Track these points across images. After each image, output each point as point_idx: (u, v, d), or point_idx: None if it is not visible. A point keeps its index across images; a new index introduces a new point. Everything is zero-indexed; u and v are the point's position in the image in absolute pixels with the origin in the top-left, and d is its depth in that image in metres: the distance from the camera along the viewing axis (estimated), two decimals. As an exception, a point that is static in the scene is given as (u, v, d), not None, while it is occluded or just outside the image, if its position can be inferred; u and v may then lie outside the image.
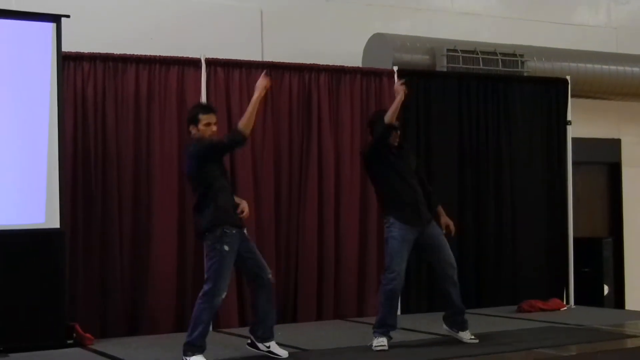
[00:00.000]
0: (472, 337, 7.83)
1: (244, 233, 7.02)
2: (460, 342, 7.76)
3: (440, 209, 7.92)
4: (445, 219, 7.87)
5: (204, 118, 6.99)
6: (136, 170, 8.88)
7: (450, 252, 7.73)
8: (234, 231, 6.86)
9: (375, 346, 7.49)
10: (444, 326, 7.92)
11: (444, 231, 7.81)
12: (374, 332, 7.60)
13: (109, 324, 8.65)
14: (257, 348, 7.12)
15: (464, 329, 7.84)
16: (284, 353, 7.09)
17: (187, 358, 6.80)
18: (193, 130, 7.05)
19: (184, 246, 8.99)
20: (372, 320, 8.77)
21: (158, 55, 9.01)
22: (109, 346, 7.91)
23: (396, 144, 7.68)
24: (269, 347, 7.09)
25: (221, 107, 9.10)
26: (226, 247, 6.80)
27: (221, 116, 9.07)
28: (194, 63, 9.10)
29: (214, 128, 7.01)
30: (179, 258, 8.98)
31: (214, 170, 6.94)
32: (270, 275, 7.05)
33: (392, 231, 7.56)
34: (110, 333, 8.55)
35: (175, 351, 7.31)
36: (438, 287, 7.95)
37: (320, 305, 9.59)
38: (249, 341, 7.17)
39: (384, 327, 7.58)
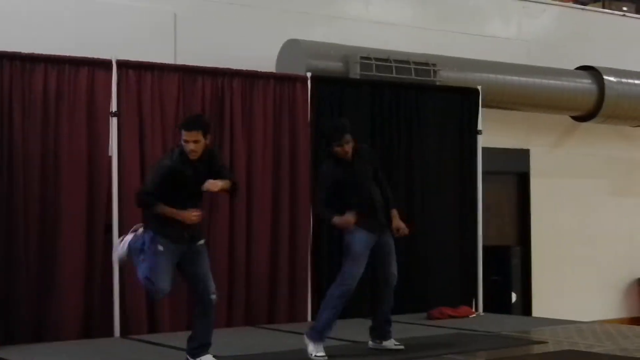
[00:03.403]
0: (397, 343, 7.87)
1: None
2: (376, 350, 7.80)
3: (394, 212, 7.87)
4: (396, 222, 7.83)
5: (183, 134, 6.86)
6: (44, 171, 8.66)
7: (395, 263, 7.76)
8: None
9: (316, 355, 7.42)
10: (370, 342, 7.92)
11: (395, 234, 7.79)
12: (312, 336, 7.51)
13: (12, 330, 8.40)
14: None
15: (388, 337, 7.87)
16: None
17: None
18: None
19: (92, 251, 8.82)
20: (282, 326, 8.82)
21: (68, 55, 8.83)
22: (13, 352, 7.72)
23: (350, 158, 7.63)
24: None
25: (132, 110, 9.00)
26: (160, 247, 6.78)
27: (132, 119, 9.03)
28: (105, 64, 8.93)
29: (191, 146, 6.85)
30: (87, 263, 8.79)
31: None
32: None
33: (354, 237, 7.54)
34: (16, 339, 8.31)
35: (79, 358, 7.16)
36: (374, 294, 7.93)
37: (230, 311, 9.50)
38: None
39: (324, 332, 7.54)
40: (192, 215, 6.79)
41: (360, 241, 7.53)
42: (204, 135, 6.86)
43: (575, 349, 7.92)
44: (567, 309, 12.36)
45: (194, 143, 6.81)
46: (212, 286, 6.93)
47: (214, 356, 7.02)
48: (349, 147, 7.57)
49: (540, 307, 12.57)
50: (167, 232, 6.79)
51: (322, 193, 7.64)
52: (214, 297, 6.92)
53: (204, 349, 6.99)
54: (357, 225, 7.53)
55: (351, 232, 7.55)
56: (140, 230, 6.99)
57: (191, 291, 7.16)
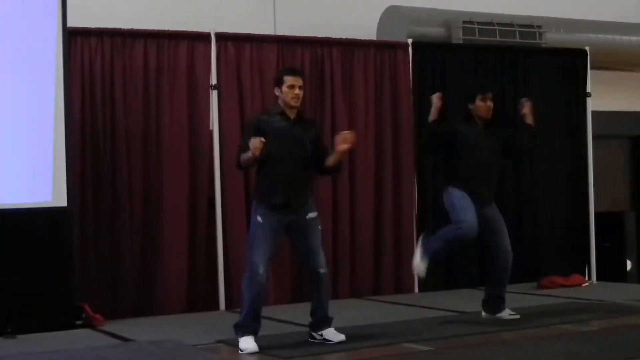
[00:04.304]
0: (512, 312, 7.72)
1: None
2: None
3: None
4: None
5: (288, 80, 6.76)
6: (146, 147, 8.70)
7: (507, 238, 7.61)
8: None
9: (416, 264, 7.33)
10: (483, 313, 7.79)
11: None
12: (424, 245, 7.40)
13: (119, 304, 8.49)
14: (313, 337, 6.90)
15: (500, 310, 7.72)
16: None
17: (238, 338, 6.63)
18: (276, 91, 6.82)
19: (195, 225, 8.84)
20: (388, 298, 8.69)
21: (167, 29, 8.82)
22: (119, 327, 7.76)
23: (484, 121, 7.55)
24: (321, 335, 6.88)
25: (232, 83, 8.98)
26: (259, 219, 6.65)
27: (232, 91, 8.99)
28: (204, 37, 8.91)
29: (297, 91, 6.74)
30: (190, 237, 8.82)
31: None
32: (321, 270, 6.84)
33: (452, 195, 7.43)
34: (121, 314, 8.39)
35: (184, 332, 7.15)
36: (488, 269, 7.76)
37: (335, 283, 9.40)
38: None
39: (434, 250, 7.42)
40: (255, 143, 6.49)
41: (461, 197, 7.33)
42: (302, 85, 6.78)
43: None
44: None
45: (299, 89, 6.70)
46: (322, 261, 6.77)
47: (335, 329, 6.88)
48: (491, 105, 7.41)
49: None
50: (268, 201, 6.66)
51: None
52: (323, 271, 6.77)
53: (324, 323, 6.85)
54: (461, 188, 7.35)
55: (452, 193, 7.37)
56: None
57: (302, 265, 7.03)
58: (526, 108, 7.70)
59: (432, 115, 7.41)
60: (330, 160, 6.76)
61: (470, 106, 7.44)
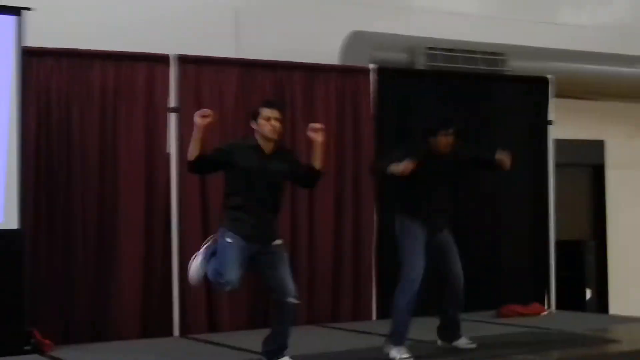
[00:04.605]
0: (469, 341, 7.65)
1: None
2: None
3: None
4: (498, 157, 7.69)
5: (265, 112, 6.68)
6: (102, 169, 8.56)
7: (458, 262, 7.53)
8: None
9: (401, 358, 7.19)
10: (438, 341, 7.75)
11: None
12: (392, 341, 7.32)
13: (72, 329, 8.33)
14: None
15: (456, 338, 7.66)
16: None
17: None
18: (253, 124, 6.75)
19: (151, 249, 8.72)
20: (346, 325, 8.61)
21: (126, 51, 8.72)
22: (68, 352, 7.63)
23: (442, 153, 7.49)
24: None
25: (191, 106, 8.79)
26: (229, 240, 6.57)
27: (190, 115, 8.60)
28: (164, 59, 8.81)
29: (273, 123, 6.66)
30: (146, 258, 8.69)
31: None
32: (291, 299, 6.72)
33: (403, 230, 7.37)
34: (74, 339, 8.23)
35: (137, 358, 7.02)
36: (441, 295, 7.70)
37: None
38: None
39: (402, 334, 7.35)
40: (199, 116, 6.48)
41: (412, 237, 7.27)
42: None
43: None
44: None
45: (275, 121, 6.62)
46: (292, 288, 6.67)
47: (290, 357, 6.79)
48: (452, 139, 7.38)
49: (617, 305, 12.15)
50: (237, 228, 6.58)
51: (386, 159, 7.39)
52: (293, 299, 6.66)
53: (280, 351, 6.76)
54: (411, 218, 7.30)
55: (401, 228, 7.34)
56: (211, 241, 6.79)
57: (269, 294, 6.89)
58: (505, 161, 7.67)
59: (397, 170, 7.21)
60: (316, 162, 6.73)
61: (432, 140, 7.41)
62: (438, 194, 7.47)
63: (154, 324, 8.64)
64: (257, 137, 6.67)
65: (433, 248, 7.37)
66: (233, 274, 6.47)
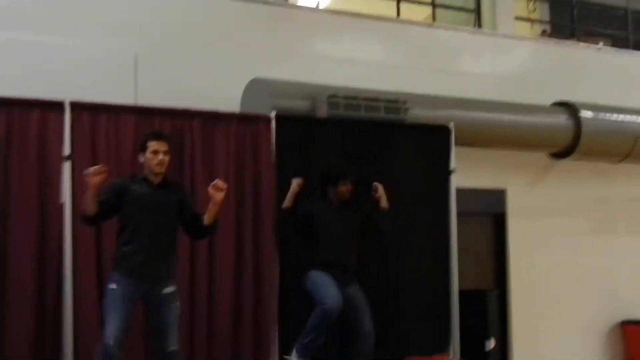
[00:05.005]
0: None
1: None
2: None
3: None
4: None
5: (152, 145, 6.44)
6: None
7: (368, 317, 7.74)
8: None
9: None
10: None
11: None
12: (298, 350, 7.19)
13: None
14: None
15: None
16: None
17: None
18: (140, 158, 6.48)
19: (43, 302, 8.34)
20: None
21: (18, 97, 8.42)
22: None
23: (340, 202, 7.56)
24: None
25: (86, 153, 8.58)
26: (113, 286, 6.28)
27: (86, 163, 8.53)
28: (58, 106, 8.53)
29: (161, 157, 6.42)
30: (38, 316, 8.29)
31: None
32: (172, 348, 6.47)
33: (310, 274, 7.37)
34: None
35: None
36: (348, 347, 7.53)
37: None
38: None
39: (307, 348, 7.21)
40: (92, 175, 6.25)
41: (321, 275, 7.16)
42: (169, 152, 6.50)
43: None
44: (548, 354, 12.01)
45: (164, 154, 6.44)
46: (175, 338, 6.46)
47: None
48: (350, 188, 7.30)
49: (520, 353, 12.17)
50: (124, 265, 6.35)
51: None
52: (173, 349, 6.45)
53: None
54: (320, 271, 7.19)
55: (309, 276, 7.22)
56: None
57: (151, 339, 6.67)
58: (379, 191, 7.60)
59: (287, 201, 7.24)
60: (207, 217, 6.53)
61: (330, 189, 7.32)
62: (341, 245, 7.37)
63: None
64: (145, 171, 6.49)
65: (343, 303, 7.25)
66: (113, 327, 6.28)
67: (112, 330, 6.26)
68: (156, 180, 6.46)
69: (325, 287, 7.15)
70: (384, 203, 7.62)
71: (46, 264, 8.39)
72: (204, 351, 9.09)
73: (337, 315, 7.19)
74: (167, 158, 6.49)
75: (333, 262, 7.22)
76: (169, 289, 6.51)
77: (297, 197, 7.29)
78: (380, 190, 7.60)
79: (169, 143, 6.65)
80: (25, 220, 8.32)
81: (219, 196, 6.51)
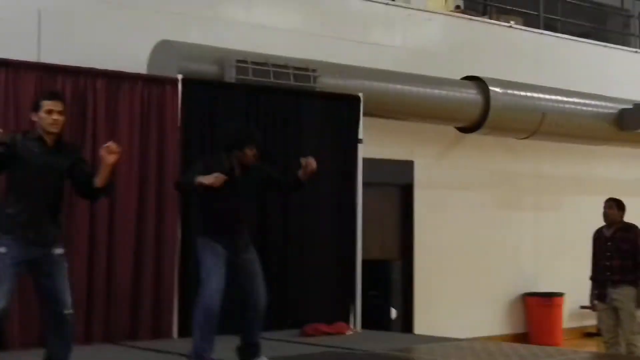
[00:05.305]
0: None
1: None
2: None
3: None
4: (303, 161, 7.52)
5: (46, 104, 6.24)
6: None
7: (262, 282, 7.36)
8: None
9: None
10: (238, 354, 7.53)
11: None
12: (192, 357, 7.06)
13: None
14: None
15: (256, 356, 7.47)
16: None
17: None
18: (34, 117, 6.32)
19: None
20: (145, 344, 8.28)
21: None
22: None
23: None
24: None
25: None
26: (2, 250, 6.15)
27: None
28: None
29: (55, 116, 6.23)
30: None
31: None
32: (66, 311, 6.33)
33: (204, 249, 7.16)
34: None
35: None
36: (242, 314, 7.44)
37: (88, 327, 8.88)
38: None
39: (201, 353, 7.08)
40: None
41: (212, 253, 7.07)
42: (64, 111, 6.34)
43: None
44: (451, 325, 12.13)
45: (58, 114, 6.26)
46: (68, 301, 6.31)
47: None
48: (256, 153, 7.22)
49: (423, 324, 12.24)
50: (10, 229, 6.16)
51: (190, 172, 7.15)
52: (68, 312, 6.30)
53: None
54: (210, 237, 7.10)
55: (202, 244, 7.13)
56: None
57: (43, 306, 6.50)
58: (311, 167, 7.51)
59: (207, 182, 6.94)
60: (99, 180, 6.35)
61: (237, 154, 7.23)
62: (240, 211, 7.30)
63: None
64: (39, 130, 6.31)
65: (237, 267, 7.18)
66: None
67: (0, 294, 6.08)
68: (50, 140, 6.26)
69: (214, 275, 7.07)
70: (305, 177, 7.54)
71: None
72: (101, 329, 8.98)
73: (218, 309, 7.12)
74: (61, 118, 6.26)
75: (227, 230, 7.13)
76: (59, 250, 6.34)
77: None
78: (311, 166, 7.51)
79: (65, 103, 6.43)
80: None
81: (110, 159, 6.30)
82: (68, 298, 6.31)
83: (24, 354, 7.93)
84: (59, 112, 6.29)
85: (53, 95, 6.45)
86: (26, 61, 8.82)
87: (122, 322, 9.10)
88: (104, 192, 6.53)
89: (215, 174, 6.86)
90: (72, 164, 6.40)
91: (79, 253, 8.75)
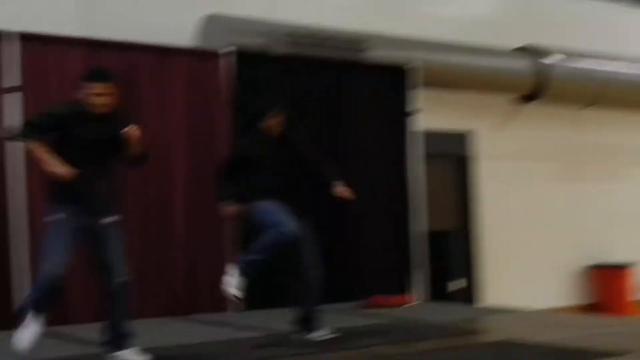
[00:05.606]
0: (329, 333, 7.26)
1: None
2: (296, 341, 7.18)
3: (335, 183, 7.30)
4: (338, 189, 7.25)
5: (90, 87, 6.13)
6: None
7: (315, 252, 7.19)
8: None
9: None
10: (298, 332, 7.33)
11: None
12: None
13: None
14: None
15: (317, 328, 7.27)
16: None
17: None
18: (81, 93, 6.25)
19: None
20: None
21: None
22: None
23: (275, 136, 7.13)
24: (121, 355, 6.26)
25: (35, 85, 8.29)
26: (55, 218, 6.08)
27: (37, 94, 8.28)
28: (7, 36, 8.23)
29: (101, 99, 6.10)
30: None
31: None
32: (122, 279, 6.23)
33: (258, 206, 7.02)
34: None
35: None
36: (298, 286, 7.28)
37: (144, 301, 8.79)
38: None
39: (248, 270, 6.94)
40: (62, 171, 5.94)
41: (267, 204, 6.92)
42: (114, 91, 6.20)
43: (512, 339, 7.28)
44: (515, 296, 11.80)
45: (103, 95, 6.12)
46: (123, 269, 6.19)
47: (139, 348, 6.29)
48: (281, 121, 7.06)
49: (487, 295, 12.04)
50: (64, 201, 6.06)
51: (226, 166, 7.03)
52: (124, 280, 6.18)
53: (122, 340, 6.24)
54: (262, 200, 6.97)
55: (256, 205, 6.98)
56: None
57: (99, 275, 6.38)
58: (344, 197, 7.32)
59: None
60: (132, 151, 6.24)
61: (262, 125, 7.10)
62: (287, 182, 7.09)
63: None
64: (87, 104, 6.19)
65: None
66: (54, 261, 5.98)
67: (53, 263, 5.97)
68: (99, 111, 6.14)
69: (278, 212, 6.90)
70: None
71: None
72: (159, 301, 8.92)
73: (292, 242, 6.90)
74: (107, 98, 6.12)
75: (278, 198, 6.98)
76: (112, 218, 6.23)
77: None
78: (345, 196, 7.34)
79: (113, 80, 6.24)
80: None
81: (132, 139, 6.16)
82: (123, 266, 6.20)
83: (87, 328, 7.79)
84: (106, 93, 6.14)
85: (98, 77, 6.25)
86: (73, 37, 8.78)
87: (179, 296, 9.03)
88: (138, 162, 6.39)
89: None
90: (120, 132, 6.27)
91: (133, 226, 8.66)
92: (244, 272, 6.85)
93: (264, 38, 9.96)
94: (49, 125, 6.09)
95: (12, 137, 6.46)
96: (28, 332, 6.01)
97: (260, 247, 6.88)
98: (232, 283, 6.84)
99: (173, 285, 9.00)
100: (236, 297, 6.88)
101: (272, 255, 6.90)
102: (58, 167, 5.92)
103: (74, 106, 6.26)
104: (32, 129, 6.07)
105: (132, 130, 6.14)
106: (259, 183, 7.04)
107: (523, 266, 12.68)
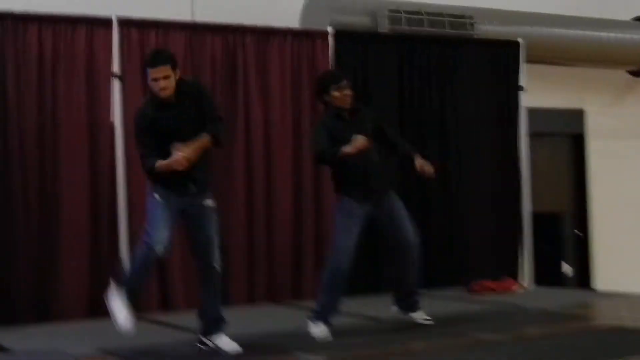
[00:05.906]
0: (426, 317, 7.14)
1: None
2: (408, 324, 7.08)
3: (415, 156, 7.02)
4: (419, 162, 6.95)
5: (149, 72, 6.09)
6: (41, 141, 8.06)
7: (409, 227, 6.94)
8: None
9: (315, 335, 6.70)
10: (394, 307, 7.21)
11: (420, 174, 6.97)
12: (312, 318, 6.79)
13: (16, 310, 7.82)
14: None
15: (415, 309, 7.14)
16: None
17: None
18: (326, 98, 6.52)
19: (97, 221, 8.23)
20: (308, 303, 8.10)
21: (64, 13, 8.16)
22: (5, 335, 7.08)
23: (348, 106, 6.85)
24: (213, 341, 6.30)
25: (135, 72, 8.28)
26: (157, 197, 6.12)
27: (136, 81, 8.29)
28: (105, 22, 8.27)
29: (162, 83, 6.06)
30: (92, 235, 8.19)
31: None
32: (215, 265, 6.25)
33: (339, 207, 6.84)
34: (17, 320, 7.72)
35: (73, 340, 6.66)
36: (394, 266, 7.15)
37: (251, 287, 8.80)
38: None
39: (325, 314, 6.77)
40: (178, 158, 5.93)
41: (346, 210, 6.75)
42: (173, 69, 6.09)
43: (624, 325, 7.01)
44: (628, 281, 11.41)
45: (164, 80, 6.03)
46: (215, 254, 6.19)
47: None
48: (348, 93, 6.81)
49: (599, 279, 11.66)
50: (164, 183, 6.07)
51: (320, 141, 6.82)
52: (216, 266, 6.19)
53: (216, 325, 6.27)
54: (345, 193, 6.77)
55: (338, 200, 6.81)
56: None
57: (193, 257, 6.40)
58: (427, 173, 7.05)
59: (346, 151, 6.59)
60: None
61: (327, 98, 6.85)
62: (364, 158, 6.82)
63: (101, 304, 8.08)
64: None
65: (381, 216, 6.84)
66: (162, 233, 6.02)
67: (159, 235, 6.00)
68: (168, 99, 6.08)
69: (343, 234, 6.73)
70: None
71: (98, 182, 8.26)
72: (265, 288, 8.92)
73: (347, 272, 6.76)
74: (168, 82, 6.02)
75: (362, 180, 6.74)
76: (209, 202, 6.21)
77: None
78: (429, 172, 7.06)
79: (170, 64, 6.12)
80: (76, 138, 8.15)
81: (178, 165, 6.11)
82: (216, 251, 6.19)
83: (187, 314, 7.82)
84: (164, 77, 6.05)
85: (154, 62, 6.14)
86: (175, 21, 8.75)
87: (284, 282, 8.98)
88: (216, 144, 6.29)
89: (356, 140, 6.53)
90: (196, 111, 6.20)
91: (238, 213, 8.73)
92: (320, 318, 6.79)
93: (369, 16, 9.77)
94: (152, 142, 6.09)
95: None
96: (125, 313, 6.06)
97: (323, 289, 6.83)
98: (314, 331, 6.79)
99: (278, 271, 8.96)
100: None
101: (337, 286, 6.79)
102: (172, 162, 5.94)
103: (147, 104, 6.24)
104: (148, 154, 6.10)
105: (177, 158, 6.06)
106: (344, 173, 6.84)
107: (636, 249, 12.24)
